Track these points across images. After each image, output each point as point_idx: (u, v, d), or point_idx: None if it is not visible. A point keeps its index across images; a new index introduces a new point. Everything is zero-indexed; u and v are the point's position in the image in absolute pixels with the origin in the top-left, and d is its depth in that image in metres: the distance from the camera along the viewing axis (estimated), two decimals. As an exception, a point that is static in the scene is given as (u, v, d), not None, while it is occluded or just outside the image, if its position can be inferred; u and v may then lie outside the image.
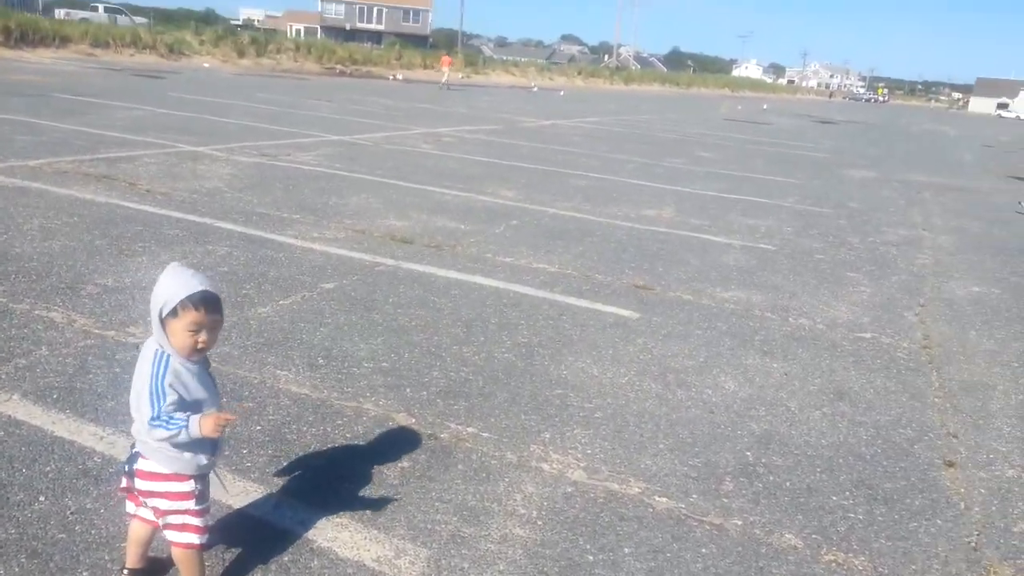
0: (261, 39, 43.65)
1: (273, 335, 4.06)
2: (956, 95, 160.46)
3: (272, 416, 3.20)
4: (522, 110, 25.08)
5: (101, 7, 47.97)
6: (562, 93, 43.67)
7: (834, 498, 3.00)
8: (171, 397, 1.95)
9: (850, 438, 3.52)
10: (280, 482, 2.74)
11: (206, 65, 35.30)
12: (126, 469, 2.11)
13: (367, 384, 3.58)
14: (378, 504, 2.65)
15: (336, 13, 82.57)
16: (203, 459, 2.06)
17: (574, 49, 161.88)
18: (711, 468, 3.13)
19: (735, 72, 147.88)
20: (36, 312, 4.05)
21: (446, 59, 39.50)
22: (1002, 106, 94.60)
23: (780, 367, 4.31)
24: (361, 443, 3.07)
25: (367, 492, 2.73)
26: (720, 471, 3.11)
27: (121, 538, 2.28)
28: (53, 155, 8.54)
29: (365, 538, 2.47)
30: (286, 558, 2.34)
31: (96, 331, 3.88)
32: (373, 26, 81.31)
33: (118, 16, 46.11)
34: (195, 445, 2.00)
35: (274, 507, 2.60)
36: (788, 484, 3.06)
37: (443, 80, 36.16)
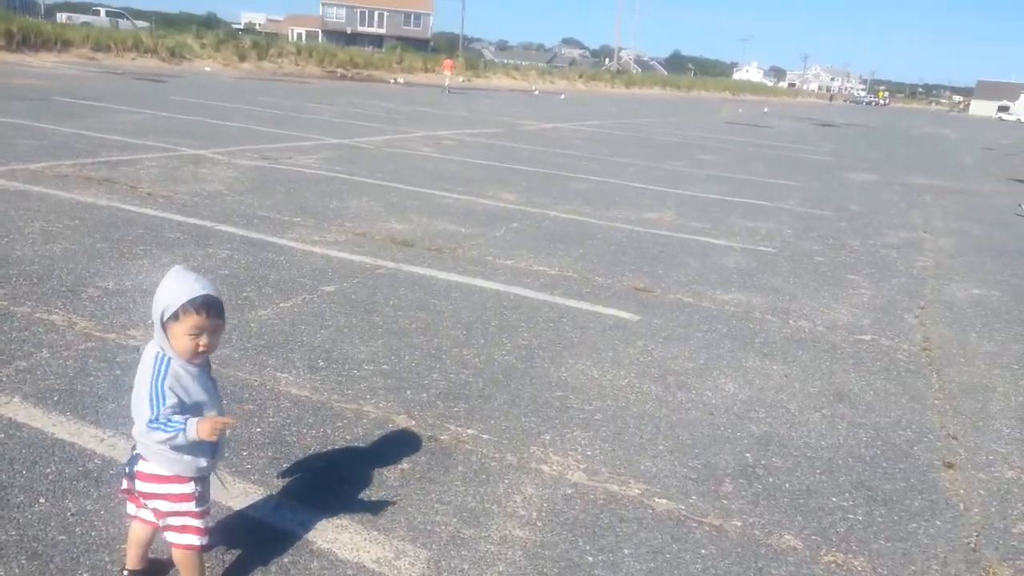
0: (262, 43, 43.72)
1: (273, 337, 4.06)
2: (957, 98, 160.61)
3: (272, 418, 3.20)
4: (523, 113, 25.11)
5: (103, 11, 48.12)
6: (563, 96, 43.74)
7: (833, 499, 3.00)
8: (171, 400, 1.96)
9: (850, 440, 3.53)
10: (280, 484, 2.75)
11: (207, 69, 35.38)
12: (127, 471, 2.11)
13: (367, 386, 3.59)
14: (378, 506, 2.66)
15: (337, 17, 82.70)
16: (203, 461, 2.07)
17: (575, 53, 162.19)
18: (711, 469, 3.13)
19: (736, 75, 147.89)
20: (37, 315, 4.06)
21: (448, 63, 39.59)
22: (1003, 109, 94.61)
23: (780, 369, 4.32)
24: (361, 445, 3.07)
25: (367, 494, 2.73)
26: (720, 472, 3.11)
27: (121, 539, 2.29)
28: (54, 159, 8.56)
29: (365, 539, 2.48)
30: (286, 559, 2.35)
31: (97, 334, 3.89)
32: (374, 30, 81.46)
33: (120, 20, 46.23)
34: (194, 448, 2.01)
35: (274, 509, 2.60)
36: (788, 485, 3.07)
37: (446, 83, 36.23)
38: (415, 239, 6.47)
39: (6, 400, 3.13)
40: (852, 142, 26.05)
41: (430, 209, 7.81)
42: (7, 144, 9.26)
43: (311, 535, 2.47)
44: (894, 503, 3.01)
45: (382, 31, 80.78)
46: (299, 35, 71.79)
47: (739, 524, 2.77)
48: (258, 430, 3.09)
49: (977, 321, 5.64)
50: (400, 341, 4.18)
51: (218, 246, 5.69)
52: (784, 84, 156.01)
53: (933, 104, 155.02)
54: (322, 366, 3.76)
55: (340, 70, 43.16)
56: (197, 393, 2.03)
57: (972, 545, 2.79)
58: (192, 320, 1.95)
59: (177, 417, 1.96)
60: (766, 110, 49.39)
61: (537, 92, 45.90)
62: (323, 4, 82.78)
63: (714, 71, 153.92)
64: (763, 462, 3.23)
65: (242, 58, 39.67)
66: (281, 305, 4.58)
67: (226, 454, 2.54)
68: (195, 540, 2.09)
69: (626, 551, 2.55)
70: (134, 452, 2.09)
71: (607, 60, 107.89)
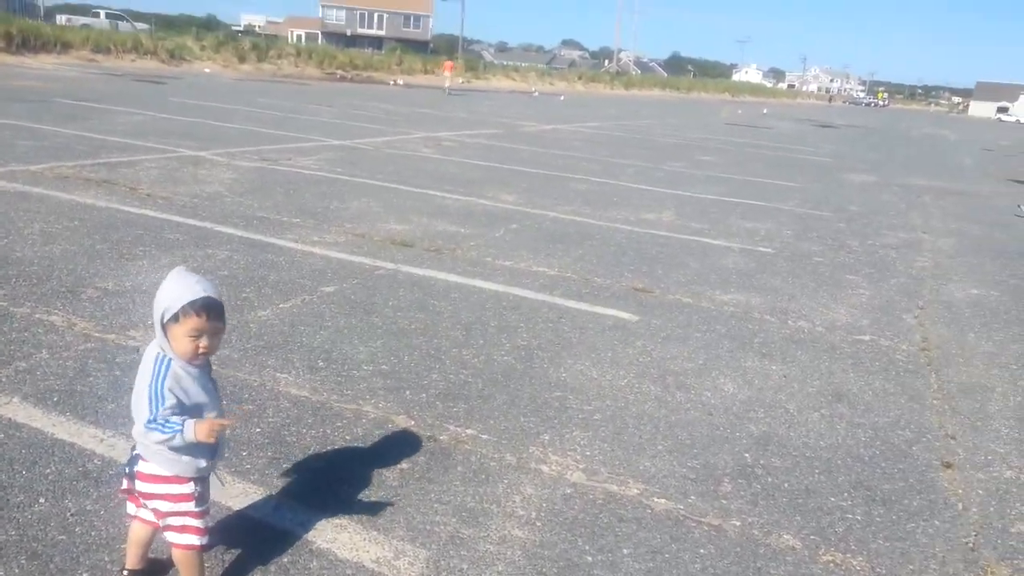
0: (262, 45, 43.76)
1: (273, 338, 4.07)
2: (956, 99, 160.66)
3: (272, 418, 3.21)
4: (522, 115, 25.13)
5: (103, 13, 48.16)
6: (562, 98, 43.77)
7: (832, 499, 3.00)
8: (170, 401, 1.96)
9: (848, 439, 3.53)
10: (280, 484, 2.75)
11: (207, 70, 35.40)
12: (127, 471, 2.12)
13: (367, 387, 3.60)
14: (377, 506, 2.66)
15: (337, 19, 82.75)
16: (202, 462, 2.07)
17: (574, 54, 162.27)
18: (710, 469, 3.13)
19: (735, 77, 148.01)
20: (37, 316, 4.07)
21: (448, 64, 39.63)
22: (1002, 110, 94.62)
23: (779, 369, 4.32)
24: (360, 445, 3.08)
25: (366, 494, 2.74)
26: (719, 472, 3.12)
27: (121, 539, 2.29)
28: (55, 160, 8.57)
29: (364, 539, 2.48)
30: (285, 559, 2.35)
31: (96, 334, 3.90)
32: (374, 31, 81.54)
33: (119, 22, 46.26)
34: (193, 448, 2.01)
35: (274, 508, 2.61)
36: (786, 485, 3.07)
37: (446, 85, 36.27)
38: (414, 240, 6.48)
39: (6, 400, 3.13)
40: (851, 143, 26.06)
41: (430, 210, 7.81)
42: (7, 145, 9.27)
43: (310, 535, 2.47)
44: (893, 503, 3.02)
45: (382, 33, 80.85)
46: (299, 37, 71.81)
47: (738, 524, 2.77)
48: (258, 430, 3.10)
49: (976, 321, 5.65)
50: (399, 342, 4.19)
51: (218, 247, 5.69)
52: (783, 85, 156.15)
53: (932, 105, 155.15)
54: (321, 366, 3.77)
55: (340, 72, 43.19)
56: (197, 394, 2.03)
57: (970, 545, 2.80)
58: (192, 322, 1.96)
59: (175, 418, 1.97)
60: (765, 111, 49.42)
61: (537, 93, 45.93)
62: (323, 6, 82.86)
63: (713, 72, 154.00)
64: (762, 462, 3.24)
65: (242, 60, 39.68)
66: (281, 306, 4.58)
67: (226, 454, 2.54)
68: (195, 540, 2.09)
69: (625, 551, 2.56)
70: (134, 452, 2.10)
71: (606, 62, 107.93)
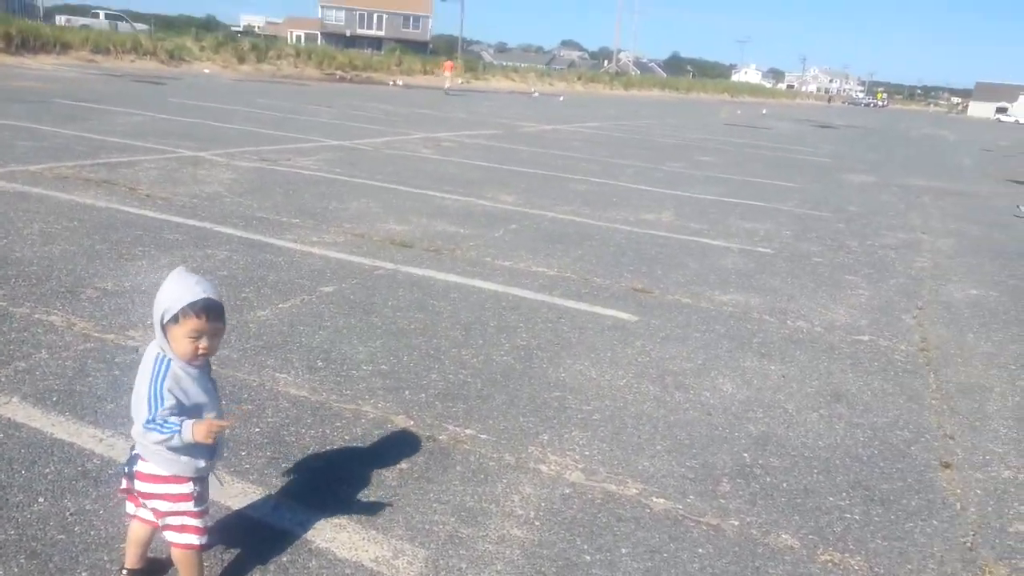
0: (261, 45, 43.75)
1: (272, 338, 4.07)
2: (955, 99, 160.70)
3: (271, 418, 3.21)
4: (522, 115, 25.14)
5: (102, 14, 48.18)
6: (562, 98, 43.78)
7: (831, 499, 3.01)
8: (169, 401, 1.97)
9: (847, 439, 3.53)
10: (279, 483, 2.76)
11: (207, 71, 35.40)
12: (126, 470, 2.12)
13: (366, 386, 3.60)
14: (376, 505, 2.66)
15: (336, 19, 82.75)
16: (201, 462, 2.07)
17: (574, 54, 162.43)
18: (708, 469, 3.14)
19: (734, 77, 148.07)
20: (36, 316, 4.07)
21: (448, 64, 39.65)
22: (1001, 110, 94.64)
23: (778, 369, 4.33)
24: (360, 445, 3.08)
25: (365, 493, 2.74)
26: (717, 472, 3.12)
27: (120, 539, 2.30)
28: (54, 160, 8.57)
29: (363, 539, 2.48)
30: (285, 558, 2.35)
31: (96, 334, 3.90)
32: (373, 32, 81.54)
33: (119, 23, 46.24)
34: (192, 448, 2.01)
35: (273, 508, 2.61)
36: (785, 485, 3.08)
37: (446, 85, 36.27)
38: (414, 240, 6.49)
39: (5, 400, 3.13)
40: (850, 143, 26.08)
41: (429, 210, 7.82)
42: (6, 146, 9.27)
43: (310, 534, 2.47)
44: (891, 503, 3.02)
45: (381, 33, 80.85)
46: (298, 37, 71.85)
47: (736, 523, 2.77)
48: (257, 430, 3.10)
49: (975, 322, 5.65)
50: (399, 342, 4.19)
51: (217, 247, 5.69)
52: (783, 86, 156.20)
53: (931, 105, 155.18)
54: (321, 366, 3.77)
55: (339, 72, 43.19)
56: (196, 395, 2.04)
57: (968, 544, 2.80)
58: (192, 323, 1.96)
59: (173, 419, 1.97)
60: (764, 112, 49.44)
61: (536, 94, 45.94)
62: (322, 6, 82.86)
63: (713, 73, 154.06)
64: (761, 462, 3.24)
65: (241, 60, 39.68)
66: (280, 306, 4.58)
67: (225, 454, 2.55)
68: (194, 539, 2.09)
69: (624, 550, 2.56)
70: (133, 452, 2.10)
71: (606, 62, 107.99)
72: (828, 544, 2.71)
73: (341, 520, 2.56)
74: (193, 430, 1.95)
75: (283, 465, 2.87)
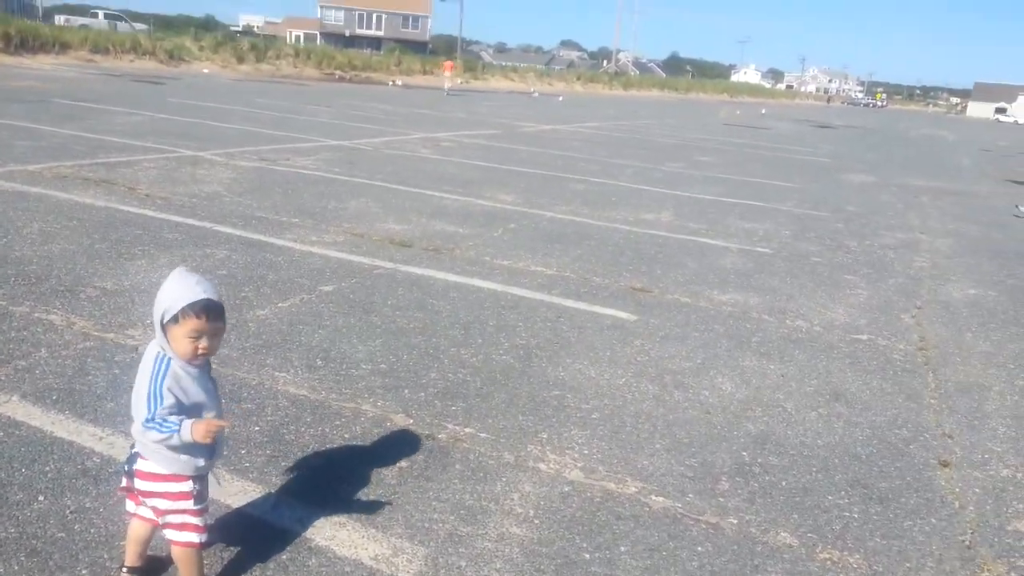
0: (261, 45, 43.75)
1: (272, 337, 4.08)
2: (954, 100, 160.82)
3: (271, 417, 3.21)
4: (521, 115, 25.14)
5: (101, 13, 48.14)
6: (561, 98, 43.79)
7: (829, 497, 3.01)
8: (168, 400, 1.97)
9: (846, 438, 3.54)
10: (278, 482, 2.76)
11: (206, 71, 35.39)
12: (126, 469, 2.12)
13: (365, 385, 3.60)
14: (376, 503, 2.67)
15: (336, 19, 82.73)
16: (200, 461, 2.08)
17: (573, 55, 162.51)
18: (707, 468, 3.14)
19: (734, 77, 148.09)
20: (35, 315, 4.07)
21: (448, 64, 39.66)
22: (1000, 111, 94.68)
23: (777, 368, 4.33)
24: (359, 443, 3.09)
25: (365, 492, 2.74)
26: (716, 471, 3.13)
27: (120, 537, 2.30)
28: (53, 160, 8.57)
29: (363, 537, 2.49)
30: (284, 556, 2.36)
31: (95, 333, 3.90)
32: (373, 32, 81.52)
33: (118, 23, 46.22)
34: (191, 447, 2.01)
35: (273, 506, 2.62)
36: (784, 483, 3.08)
37: (445, 85, 36.29)
38: (413, 240, 6.49)
39: (5, 399, 3.14)
40: (850, 143, 26.10)
41: (428, 210, 7.82)
42: (5, 145, 9.26)
43: (309, 532, 2.48)
44: (890, 501, 3.03)
45: (380, 33, 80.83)
46: (297, 37, 71.86)
47: (735, 522, 2.78)
48: (256, 429, 3.10)
49: (973, 321, 5.66)
50: (398, 340, 4.20)
51: (216, 247, 5.70)
52: (782, 86, 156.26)
53: (931, 106, 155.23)
54: (320, 365, 3.78)
55: (338, 72, 43.18)
56: (196, 394, 2.04)
57: (967, 543, 2.81)
58: (191, 324, 1.96)
59: (173, 418, 1.97)
60: (764, 112, 49.45)
61: (536, 94, 45.95)
62: (321, 6, 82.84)
63: (712, 73, 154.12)
64: (759, 460, 3.25)
65: (240, 60, 39.67)
66: (279, 305, 4.59)
67: (224, 453, 2.55)
68: (194, 537, 2.10)
69: (623, 548, 2.56)
70: (133, 450, 2.10)
71: (605, 62, 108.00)
72: (827, 542, 2.71)
73: (341, 518, 2.56)
74: (192, 430, 1.96)
75: (283, 463, 2.88)
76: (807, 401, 3.92)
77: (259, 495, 2.66)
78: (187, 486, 2.07)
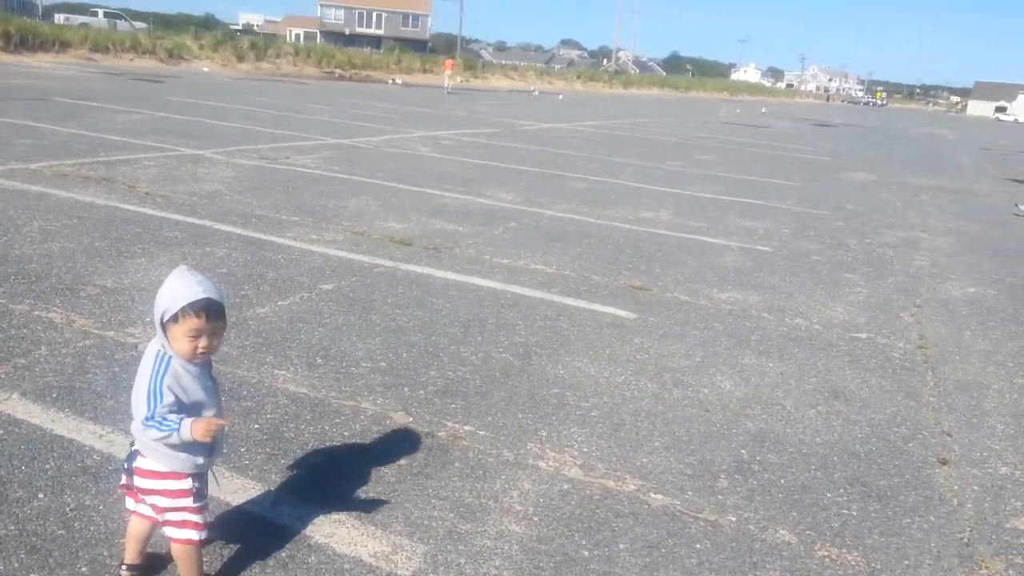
0: (260, 44, 43.73)
1: (271, 335, 4.08)
2: (954, 99, 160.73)
3: (270, 415, 3.22)
4: (521, 114, 25.14)
5: (101, 12, 48.09)
6: (561, 97, 43.78)
7: (828, 495, 3.02)
8: (168, 398, 1.97)
9: (845, 436, 3.54)
10: (278, 479, 2.76)
11: (205, 69, 35.38)
12: (125, 467, 2.13)
13: (365, 383, 3.61)
14: (375, 501, 2.67)
15: (336, 18, 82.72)
16: (200, 459, 2.08)
17: (573, 53, 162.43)
18: (706, 465, 3.15)
19: (734, 76, 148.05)
20: (35, 313, 4.08)
21: (449, 62, 39.64)
22: (1000, 109, 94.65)
23: (776, 366, 4.34)
24: (359, 441, 3.09)
25: (364, 489, 2.75)
26: (715, 468, 3.13)
27: (120, 534, 2.30)
28: (53, 158, 8.57)
29: (362, 534, 2.49)
30: (284, 554, 2.36)
31: (95, 331, 3.91)
32: (372, 31, 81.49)
33: (118, 21, 46.18)
34: (191, 446, 2.01)
35: (272, 504, 2.62)
36: (783, 481, 3.09)
37: (446, 84, 36.28)
38: (413, 238, 6.49)
39: (5, 397, 3.14)
40: (850, 142, 26.09)
41: (428, 208, 7.82)
42: (5, 144, 9.26)
43: (309, 530, 2.48)
44: (888, 499, 3.03)
45: (380, 32, 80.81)
46: (297, 36, 71.80)
47: (734, 519, 2.78)
48: (256, 426, 3.11)
49: (972, 319, 5.67)
50: (398, 339, 4.20)
51: (216, 245, 5.70)
52: (782, 85, 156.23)
53: (931, 104, 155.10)
54: (320, 363, 3.78)
55: (338, 71, 43.16)
56: (196, 392, 2.04)
57: (965, 540, 2.81)
58: (191, 323, 1.96)
59: (172, 416, 1.97)
60: (764, 110, 49.44)
61: (536, 93, 45.93)
62: (321, 5, 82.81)
63: (712, 72, 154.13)
64: (758, 458, 3.25)
65: (240, 59, 39.66)
66: (279, 303, 4.59)
67: (224, 451, 2.56)
68: (194, 535, 2.10)
69: (622, 546, 2.57)
70: (132, 448, 2.10)
71: (605, 61, 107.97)
72: (825, 540, 2.72)
73: (340, 516, 2.57)
74: (192, 429, 1.96)
75: (282, 461, 2.88)
76: (806, 399, 3.93)
77: (259, 492, 2.67)
78: (186, 484, 2.07)
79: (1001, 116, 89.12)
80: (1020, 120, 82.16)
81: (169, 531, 2.10)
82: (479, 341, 4.28)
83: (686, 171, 13.28)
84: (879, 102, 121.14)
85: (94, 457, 2.77)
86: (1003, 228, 10.24)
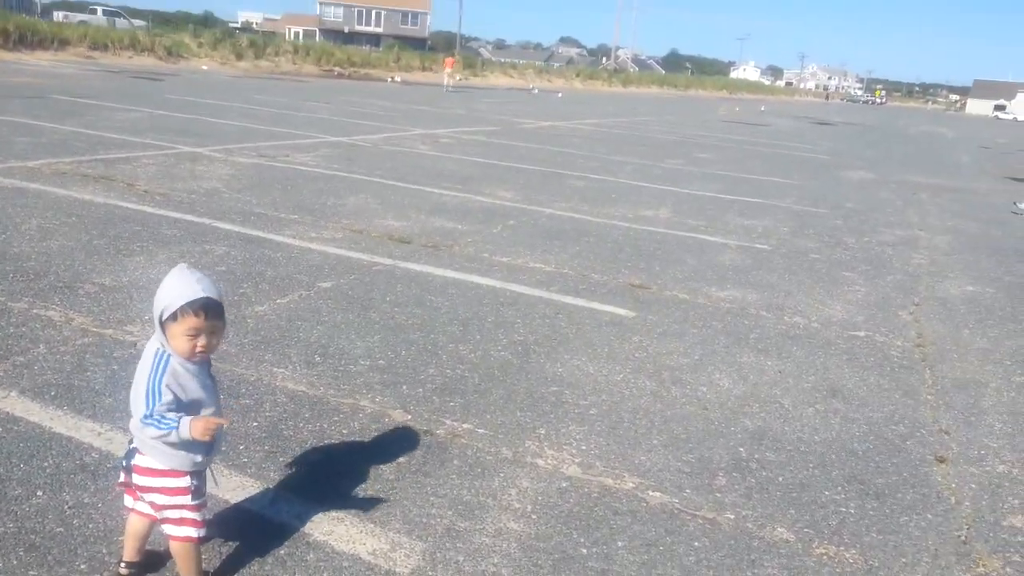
0: (259, 42, 43.68)
1: (270, 333, 4.08)
2: (954, 97, 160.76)
3: (269, 412, 3.22)
4: (521, 112, 25.12)
5: (99, 10, 48.03)
6: (560, 95, 43.75)
7: (826, 493, 3.02)
8: (167, 397, 1.97)
9: (843, 434, 3.55)
10: (277, 477, 2.77)
11: (204, 68, 35.34)
12: (124, 464, 2.13)
13: (363, 381, 3.61)
14: (374, 499, 2.67)
15: (335, 16, 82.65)
16: (198, 457, 2.08)
17: (572, 51, 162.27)
18: (705, 463, 3.15)
19: (733, 74, 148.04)
20: (34, 311, 4.08)
21: (449, 60, 39.61)
22: (999, 108, 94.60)
23: (774, 365, 4.34)
24: (357, 439, 3.09)
25: (363, 487, 2.75)
26: (713, 466, 3.14)
27: (118, 532, 2.30)
28: (52, 156, 8.56)
29: (361, 532, 2.49)
30: (283, 551, 2.36)
31: (94, 329, 3.91)
32: (372, 29, 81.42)
33: (116, 19, 46.16)
34: (189, 444, 2.01)
35: (271, 502, 2.62)
36: (781, 479, 3.09)
37: (445, 82, 36.24)
38: (412, 236, 6.49)
39: (4, 394, 3.14)
40: (849, 140, 26.09)
41: (427, 206, 7.82)
42: (5, 142, 9.26)
43: (308, 527, 2.48)
44: (886, 496, 3.04)
45: (379, 30, 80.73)
46: (296, 34, 71.70)
47: (732, 517, 2.79)
48: (255, 424, 3.11)
49: (971, 318, 5.67)
50: (396, 337, 4.20)
51: (215, 243, 5.70)
52: (781, 83, 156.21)
53: (930, 103, 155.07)
54: (319, 361, 3.78)
55: (337, 69, 43.12)
56: (195, 391, 2.04)
57: (963, 538, 2.82)
58: (190, 322, 1.96)
59: (171, 415, 1.97)
60: (763, 109, 49.44)
61: (535, 91, 45.90)
62: (320, 3, 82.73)
63: (711, 70, 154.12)
64: (756, 456, 3.26)
65: (239, 57, 39.62)
66: (278, 301, 4.59)
67: (223, 449, 2.56)
68: (192, 532, 2.10)
69: (620, 543, 2.57)
70: (131, 446, 2.11)
71: (604, 59, 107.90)
72: (823, 537, 2.72)
73: (339, 513, 2.57)
74: (191, 427, 1.96)
75: (281, 459, 2.88)
76: (804, 397, 3.93)
77: (257, 490, 2.67)
78: (185, 481, 2.07)
79: (1000, 114, 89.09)
80: (1019, 118, 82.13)
81: (168, 529, 2.11)
82: (478, 339, 4.28)
83: (685, 169, 13.28)
84: (878, 100, 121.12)
85: (93, 455, 2.77)
86: (1002, 227, 10.24)
